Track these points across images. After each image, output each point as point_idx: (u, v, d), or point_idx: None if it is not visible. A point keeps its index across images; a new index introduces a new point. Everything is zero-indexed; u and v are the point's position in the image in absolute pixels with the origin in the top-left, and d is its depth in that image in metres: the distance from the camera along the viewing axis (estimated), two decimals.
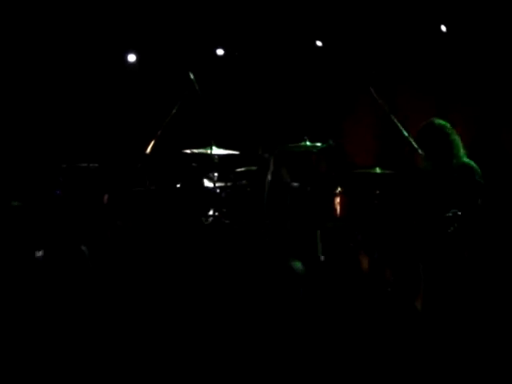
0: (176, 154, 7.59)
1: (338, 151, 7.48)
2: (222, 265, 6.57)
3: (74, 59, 8.10)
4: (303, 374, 4.38)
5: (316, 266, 6.50)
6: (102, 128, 8.14)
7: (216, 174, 7.40)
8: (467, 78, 8.01)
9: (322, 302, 5.69)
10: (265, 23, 8.42)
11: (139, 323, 5.16)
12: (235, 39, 8.52)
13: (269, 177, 7.40)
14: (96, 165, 7.26)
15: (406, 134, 6.78)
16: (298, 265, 6.09)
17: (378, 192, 6.63)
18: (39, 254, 6.43)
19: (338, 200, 6.76)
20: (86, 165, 7.22)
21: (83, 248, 6.46)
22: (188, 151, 7.44)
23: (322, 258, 6.77)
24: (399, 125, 6.84)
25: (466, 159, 5.58)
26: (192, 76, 7.29)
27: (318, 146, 7.44)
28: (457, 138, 5.61)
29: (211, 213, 7.33)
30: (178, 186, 7.49)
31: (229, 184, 7.49)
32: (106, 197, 7.09)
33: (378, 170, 6.85)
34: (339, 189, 6.78)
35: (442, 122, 5.70)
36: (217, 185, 7.42)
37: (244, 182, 7.56)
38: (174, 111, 7.29)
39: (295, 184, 7.28)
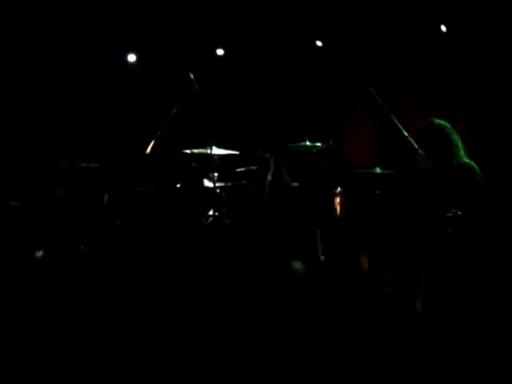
0: (176, 154, 7.59)
1: (337, 151, 7.48)
2: (222, 265, 6.57)
3: (74, 59, 8.10)
4: (303, 374, 4.38)
5: (316, 266, 6.50)
6: (102, 128, 8.14)
7: (216, 174, 7.41)
8: (467, 78, 8.01)
9: (322, 302, 5.70)
10: (265, 23, 8.42)
11: (139, 323, 5.16)
12: (235, 39, 8.51)
13: (269, 177, 7.41)
14: (96, 165, 7.26)
15: (406, 133, 6.78)
16: (297, 265, 6.10)
17: (378, 192, 6.63)
18: (39, 254, 6.43)
19: (338, 200, 6.76)
20: (86, 165, 7.21)
21: (83, 248, 6.47)
22: (188, 151, 7.44)
23: (322, 258, 6.78)
24: (399, 125, 6.84)
25: (466, 159, 5.57)
26: (192, 76, 7.29)
27: (318, 146, 7.45)
28: (457, 138, 5.61)
29: (211, 213, 7.33)
30: (178, 186, 7.49)
31: (229, 184, 7.49)
32: (106, 197, 7.09)
33: (378, 170, 6.85)
34: (339, 189, 6.78)
35: (442, 121, 5.70)
36: (217, 185, 7.42)
37: (244, 182, 7.56)
38: (174, 111, 7.29)
39: (295, 184, 7.28)
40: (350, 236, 6.57)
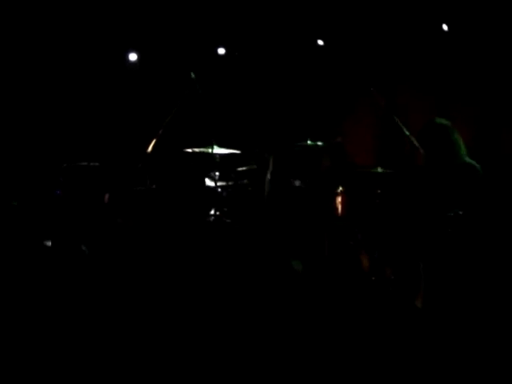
0: (177, 153, 7.60)
1: (338, 151, 7.49)
2: (222, 264, 6.58)
3: (74, 58, 8.09)
4: (303, 374, 4.39)
5: (321, 265, 6.50)
6: (103, 127, 8.14)
7: (217, 174, 7.41)
8: (467, 78, 8.02)
9: (323, 302, 5.71)
10: (265, 23, 8.42)
11: (139, 322, 5.17)
12: (236, 39, 8.52)
13: (268, 176, 7.42)
14: (97, 164, 7.25)
15: (407, 132, 6.79)
16: (297, 264, 6.12)
17: (379, 191, 6.63)
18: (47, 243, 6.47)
19: (339, 199, 6.76)
20: (86, 164, 7.21)
21: (83, 248, 6.47)
22: (189, 150, 7.44)
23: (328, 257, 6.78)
24: (401, 124, 6.85)
25: (467, 159, 5.59)
26: (193, 75, 7.29)
27: (319, 146, 7.46)
28: (458, 138, 5.63)
29: (212, 212, 7.34)
30: (179, 185, 7.50)
31: (230, 183, 7.50)
32: (106, 196, 7.09)
33: (379, 170, 6.85)
34: (340, 188, 6.79)
35: (443, 121, 5.72)
36: (218, 184, 7.43)
37: (245, 181, 7.57)
38: (175, 110, 7.29)
39: (296, 182, 7.29)
40: (351, 235, 6.57)
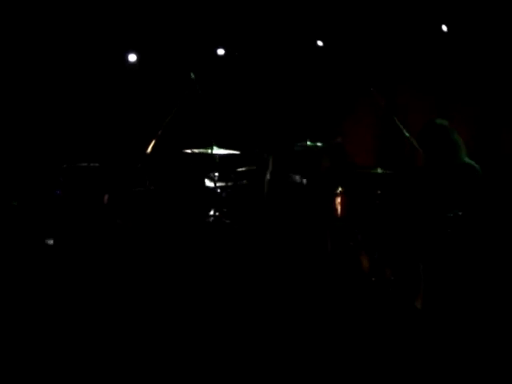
0: (176, 153, 7.60)
1: (338, 151, 7.49)
2: (222, 264, 6.58)
3: (74, 59, 8.09)
4: (303, 374, 4.39)
5: (321, 266, 6.51)
6: (103, 128, 8.13)
7: (217, 174, 7.41)
8: (467, 78, 8.02)
9: (323, 302, 5.70)
10: (265, 23, 8.42)
11: (139, 322, 5.16)
12: (236, 39, 8.51)
13: (268, 176, 7.43)
14: (96, 164, 7.25)
15: (407, 134, 6.79)
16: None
17: (378, 192, 6.63)
18: (49, 241, 6.47)
19: (338, 200, 6.76)
20: (86, 164, 7.21)
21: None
22: (188, 151, 7.44)
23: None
24: (400, 125, 6.85)
25: (467, 159, 5.58)
26: (193, 76, 7.29)
27: (318, 146, 7.47)
28: (458, 138, 5.62)
29: (212, 213, 7.34)
30: (179, 185, 7.50)
31: (229, 184, 7.50)
32: (106, 197, 7.08)
33: (379, 171, 6.85)
34: (340, 189, 6.78)
35: (443, 121, 5.71)
36: (217, 184, 7.43)
37: (245, 181, 7.57)
38: (175, 111, 7.29)
39: (297, 180, 7.29)
40: (351, 236, 6.57)
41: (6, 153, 7.55)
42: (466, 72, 8.03)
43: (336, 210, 6.77)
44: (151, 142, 7.19)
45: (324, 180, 7.15)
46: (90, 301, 5.60)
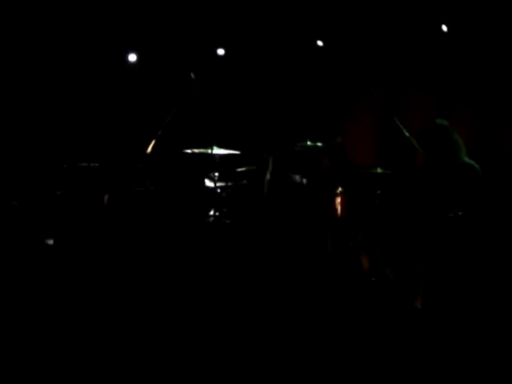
0: (177, 153, 7.60)
1: (338, 151, 7.49)
2: (222, 264, 6.58)
3: (74, 59, 8.09)
4: (303, 374, 4.39)
5: (322, 266, 6.51)
6: (103, 128, 8.13)
7: (217, 174, 7.41)
8: (467, 78, 8.02)
9: (323, 302, 5.70)
10: (265, 24, 8.41)
11: (139, 323, 5.16)
12: (236, 39, 8.51)
13: (268, 176, 7.43)
14: (96, 165, 7.25)
15: (407, 134, 6.79)
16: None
17: (378, 192, 6.63)
18: (49, 241, 6.47)
19: (339, 200, 6.76)
20: (86, 165, 7.21)
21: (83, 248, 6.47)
22: (189, 151, 7.44)
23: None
24: (400, 125, 6.85)
25: (467, 159, 5.58)
26: (193, 76, 7.29)
27: (318, 146, 7.47)
28: (458, 138, 5.61)
29: (212, 213, 7.34)
30: (179, 185, 7.50)
31: (229, 184, 7.50)
32: (106, 197, 7.08)
33: (379, 171, 6.85)
34: (340, 189, 6.79)
35: (443, 121, 5.71)
36: (217, 184, 7.43)
37: (245, 181, 7.57)
38: (175, 111, 7.29)
39: (297, 179, 7.30)
40: (351, 236, 6.57)
41: (6, 153, 7.55)
42: (466, 72, 8.03)
43: (336, 210, 6.77)
44: (151, 142, 7.19)
45: (324, 180, 7.15)
46: (90, 301, 5.60)
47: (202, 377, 4.35)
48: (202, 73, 7.66)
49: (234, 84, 8.67)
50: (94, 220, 6.92)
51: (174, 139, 7.75)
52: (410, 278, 5.57)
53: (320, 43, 8.56)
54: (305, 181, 7.30)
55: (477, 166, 5.52)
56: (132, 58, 8.21)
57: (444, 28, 7.98)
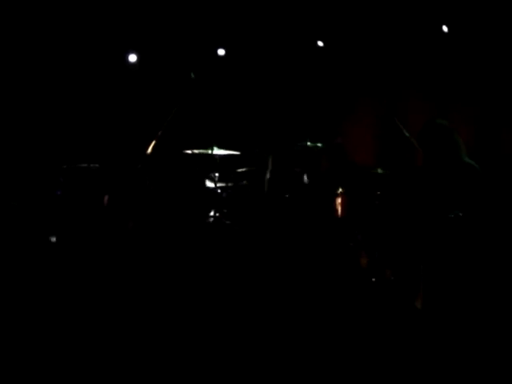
0: (177, 154, 7.60)
1: (338, 151, 7.49)
2: (222, 265, 6.57)
3: (74, 59, 8.09)
4: (303, 374, 4.39)
5: (322, 266, 6.51)
6: (103, 128, 8.13)
7: (217, 175, 7.41)
8: (467, 79, 8.02)
9: (323, 302, 5.70)
10: (265, 24, 8.42)
11: (139, 323, 5.16)
12: (236, 40, 8.51)
13: (268, 176, 7.43)
14: (96, 165, 7.25)
15: (407, 134, 6.80)
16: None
17: (379, 192, 6.63)
18: (53, 238, 6.47)
19: (339, 200, 6.76)
20: (86, 165, 7.21)
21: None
22: (189, 152, 7.44)
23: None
24: (400, 125, 6.86)
25: (467, 159, 5.58)
26: (193, 76, 7.29)
27: (318, 147, 7.47)
28: (458, 138, 5.61)
29: (212, 213, 7.34)
30: (179, 186, 7.50)
31: (230, 184, 7.50)
32: (106, 197, 7.08)
33: (379, 171, 6.86)
34: (340, 189, 6.79)
35: (443, 121, 5.71)
36: (218, 185, 7.43)
37: (245, 182, 7.57)
38: (175, 111, 7.29)
39: (297, 179, 7.31)
40: (351, 236, 6.57)
41: (6, 153, 7.55)
42: (466, 72, 8.03)
43: (336, 210, 6.77)
44: (151, 142, 7.19)
45: (324, 180, 7.15)
46: (90, 301, 5.60)
47: (202, 377, 4.35)
48: (203, 73, 7.66)
49: (234, 84, 8.68)
50: (94, 221, 6.92)
51: (174, 140, 7.75)
52: (410, 278, 5.57)
53: (320, 43, 8.56)
54: (306, 180, 7.30)
55: (477, 166, 5.52)
56: (132, 58, 8.21)
57: (444, 28, 7.98)
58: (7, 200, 6.81)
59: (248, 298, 5.82)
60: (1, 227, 6.60)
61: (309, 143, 7.50)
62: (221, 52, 8.50)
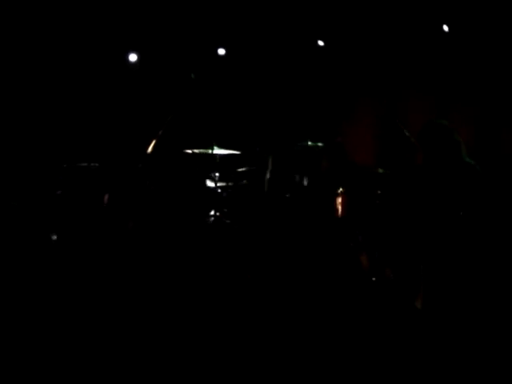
0: (177, 153, 7.60)
1: (338, 151, 7.49)
2: (222, 264, 6.58)
3: (75, 59, 8.09)
4: (303, 374, 4.39)
5: (322, 266, 6.51)
6: (103, 128, 8.14)
7: (217, 174, 7.41)
8: (467, 79, 8.03)
9: (323, 302, 5.71)
10: (265, 24, 8.42)
11: (139, 323, 5.17)
12: (237, 39, 8.52)
13: (268, 175, 7.43)
14: (96, 164, 7.25)
15: (407, 134, 6.80)
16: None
17: (379, 192, 6.63)
18: (53, 237, 6.47)
19: (339, 200, 6.76)
20: (86, 164, 7.21)
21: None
22: (189, 151, 7.44)
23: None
24: (401, 125, 6.86)
25: (467, 159, 5.58)
26: (193, 76, 7.29)
27: (318, 146, 7.47)
28: (458, 138, 5.61)
29: (212, 213, 7.34)
30: (179, 185, 7.51)
31: (230, 184, 7.51)
32: (106, 197, 7.09)
33: (379, 171, 6.86)
34: (340, 189, 6.79)
35: (443, 121, 5.71)
36: (218, 185, 7.43)
37: (245, 181, 7.58)
38: (175, 111, 7.30)
39: (297, 179, 7.31)
40: (351, 236, 6.57)
41: (6, 153, 7.55)
42: (466, 72, 8.04)
43: (336, 210, 6.77)
44: (152, 141, 7.19)
45: (324, 180, 7.15)
46: (90, 301, 5.60)
47: (202, 377, 4.36)
48: (203, 73, 7.66)
49: (235, 84, 8.68)
50: (95, 220, 6.92)
51: (174, 139, 7.75)
52: (410, 278, 5.57)
53: (321, 43, 8.56)
54: (305, 181, 7.30)
55: (477, 166, 5.52)
56: (133, 58, 8.21)
57: (445, 28, 7.99)
58: (7, 200, 6.81)
59: (248, 297, 5.82)
60: (1, 227, 6.60)
61: (309, 143, 7.50)
62: (221, 52, 8.50)
